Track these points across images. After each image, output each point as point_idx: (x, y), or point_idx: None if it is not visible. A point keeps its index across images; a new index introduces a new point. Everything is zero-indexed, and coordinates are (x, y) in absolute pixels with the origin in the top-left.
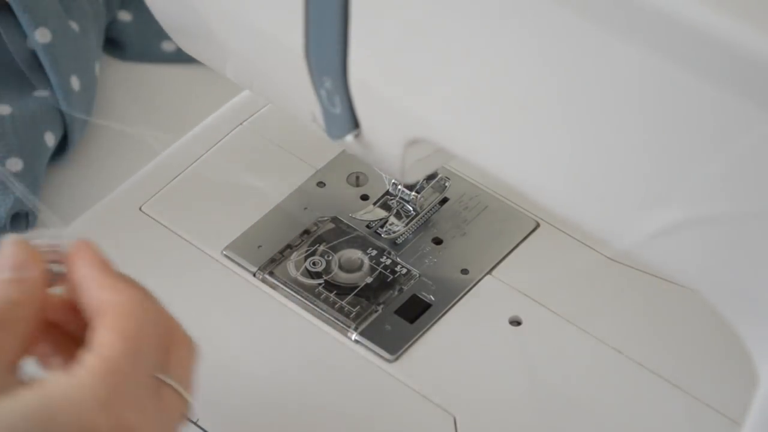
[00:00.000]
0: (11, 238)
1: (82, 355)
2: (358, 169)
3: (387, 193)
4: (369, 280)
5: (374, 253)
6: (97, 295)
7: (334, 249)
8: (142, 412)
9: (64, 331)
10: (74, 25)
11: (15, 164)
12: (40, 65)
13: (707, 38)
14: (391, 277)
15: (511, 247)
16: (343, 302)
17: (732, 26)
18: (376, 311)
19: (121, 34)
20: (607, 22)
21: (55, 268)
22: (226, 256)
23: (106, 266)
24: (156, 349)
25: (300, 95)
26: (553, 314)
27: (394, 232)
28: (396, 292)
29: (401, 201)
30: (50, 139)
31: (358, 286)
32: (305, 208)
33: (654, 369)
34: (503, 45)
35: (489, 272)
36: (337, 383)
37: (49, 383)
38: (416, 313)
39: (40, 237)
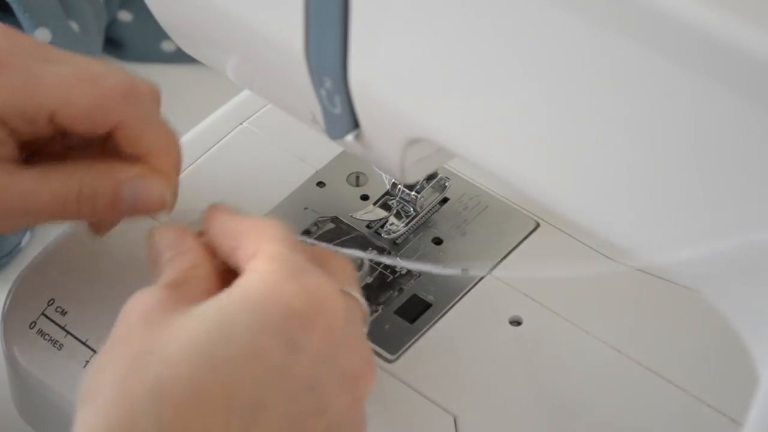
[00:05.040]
0: (153, 228)
1: (249, 263)
2: (358, 169)
3: (387, 193)
4: (369, 280)
5: (374, 253)
6: (236, 227)
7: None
8: (329, 283)
9: None
10: (74, 25)
11: None
12: None
13: (709, 39)
14: (391, 277)
15: (512, 247)
16: None
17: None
18: (376, 311)
19: (121, 33)
20: (605, 21)
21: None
22: None
23: (237, 213)
24: (307, 256)
25: (300, 95)
26: (554, 314)
27: (394, 232)
28: (396, 292)
29: (401, 201)
30: None
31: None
32: (305, 208)
33: (654, 369)
34: (502, 44)
35: (489, 272)
36: None
37: (238, 284)
38: (416, 313)
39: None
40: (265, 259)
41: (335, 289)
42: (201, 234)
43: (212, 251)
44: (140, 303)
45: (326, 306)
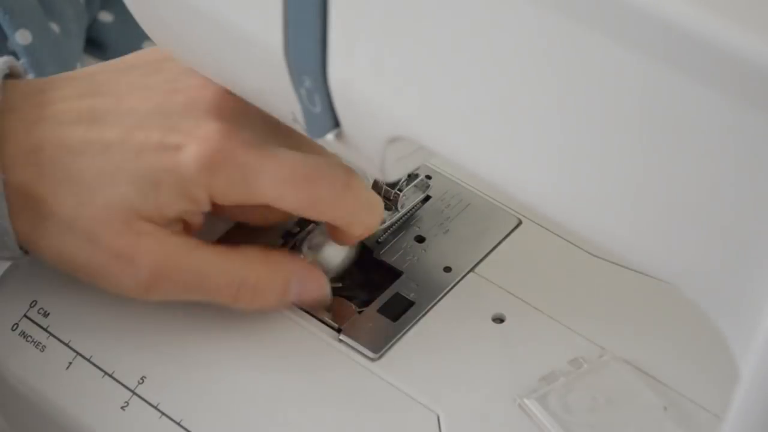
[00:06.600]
0: None
1: None
2: None
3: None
4: (351, 279)
5: (356, 252)
6: None
7: (317, 249)
8: None
9: None
10: (55, 27)
11: None
12: None
13: (697, 39)
14: (374, 275)
15: (494, 245)
16: None
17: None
18: (359, 310)
19: (102, 34)
20: (584, 20)
21: None
22: None
23: None
24: None
25: (280, 95)
26: (536, 311)
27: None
28: (378, 291)
29: (383, 199)
30: None
31: (340, 285)
32: None
33: (637, 365)
34: (482, 43)
35: (472, 270)
36: (319, 382)
37: None
38: (399, 311)
39: None
40: None
41: None
42: None
43: None
44: None
45: None
